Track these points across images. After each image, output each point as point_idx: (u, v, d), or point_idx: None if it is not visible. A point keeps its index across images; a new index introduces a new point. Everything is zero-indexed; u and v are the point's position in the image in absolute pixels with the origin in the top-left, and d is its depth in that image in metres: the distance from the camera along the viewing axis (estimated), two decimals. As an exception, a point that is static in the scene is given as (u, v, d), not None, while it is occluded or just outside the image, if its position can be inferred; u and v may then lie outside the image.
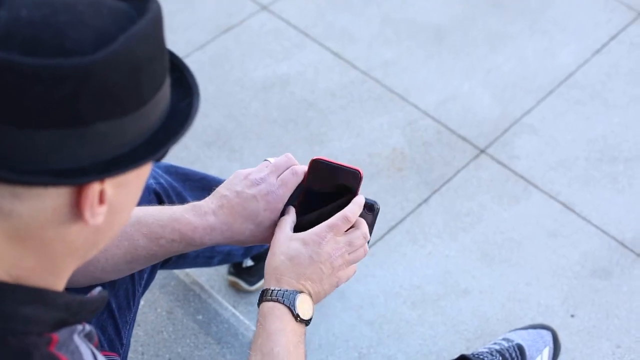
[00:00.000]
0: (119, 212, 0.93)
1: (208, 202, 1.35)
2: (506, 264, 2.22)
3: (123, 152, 0.86)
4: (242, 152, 2.44)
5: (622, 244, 2.26)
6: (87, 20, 0.82)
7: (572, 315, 2.12)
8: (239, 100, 2.57)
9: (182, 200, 1.66)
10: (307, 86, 2.63)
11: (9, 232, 0.88)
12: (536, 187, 2.39)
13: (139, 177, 0.94)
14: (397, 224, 2.29)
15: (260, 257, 2.09)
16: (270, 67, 2.67)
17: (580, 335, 2.09)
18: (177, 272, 2.04)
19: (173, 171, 1.71)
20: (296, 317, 1.24)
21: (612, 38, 2.81)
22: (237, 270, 2.12)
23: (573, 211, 2.33)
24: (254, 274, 2.12)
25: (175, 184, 1.67)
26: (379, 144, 2.46)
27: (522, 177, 2.41)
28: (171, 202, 1.62)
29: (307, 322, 1.27)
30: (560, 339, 2.02)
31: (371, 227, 1.36)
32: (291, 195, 1.37)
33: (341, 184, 1.35)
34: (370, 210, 1.36)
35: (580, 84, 2.67)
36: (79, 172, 0.84)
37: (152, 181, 1.60)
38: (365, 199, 1.36)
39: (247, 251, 1.98)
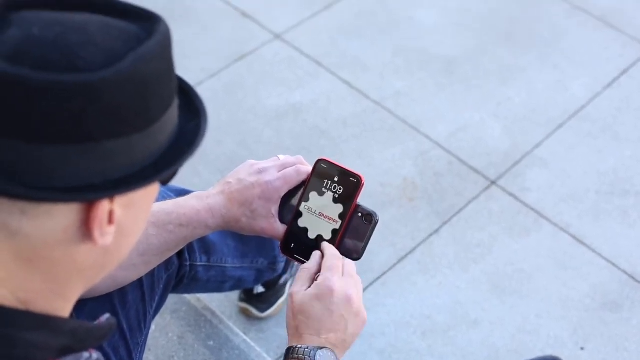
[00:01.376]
0: (128, 234, 0.94)
1: (211, 189, 1.42)
2: (516, 295, 2.22)
3: (132, 172, 0.87)
4: (254, 180, 2.45)
5: (633, 277, 2.26)
6: (97, 40, 0.84)
7: (582, 348, 2.12)
8: (252, 128, 2.59)
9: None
10: (320, 115, 2.64)
11: (17, 252, 0.87)
12: (547, 219, 2.39)
13: (147, 198, 0.94)
14: (408, 254, 2.30)
15: (271, 284, 2.10)
16: (283, 96, 2.69)
17: (590, 368, 2.09)
18: (188, 297, 2.04)
19: (185, 194, 1.73)
20: None
21: (623, 72, 2.83)
22: (248, 296, 2.13)
23: (583, 244, 2.34)
24: (265, 300, 2.13)
25: None
26: (391, 174, 2.47)
27: (532, 209, 2.41)
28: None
29: None
30: (570, 371, 2.02)
31: (368, 238, 1.38)
32: (292, 192, 1.41)
33: (342, 187, 1.38)
34: (369, 221, 1.38)
35: (591, 117, 2.68)
36: (88, 189, 0.85)
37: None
38: (364, 208, 1.38)
39: (258, 278, 1.99)
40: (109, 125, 0.83)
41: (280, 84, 2.74)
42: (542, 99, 2.73)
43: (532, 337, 2.14)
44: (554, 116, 2.67)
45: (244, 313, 2.15)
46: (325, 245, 1.37)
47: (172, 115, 0.92)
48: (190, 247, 1.71)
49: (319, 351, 1.26)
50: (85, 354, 0.96)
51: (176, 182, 1.68)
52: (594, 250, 2.32)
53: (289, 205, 1.42)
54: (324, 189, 1.39)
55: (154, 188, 0.94)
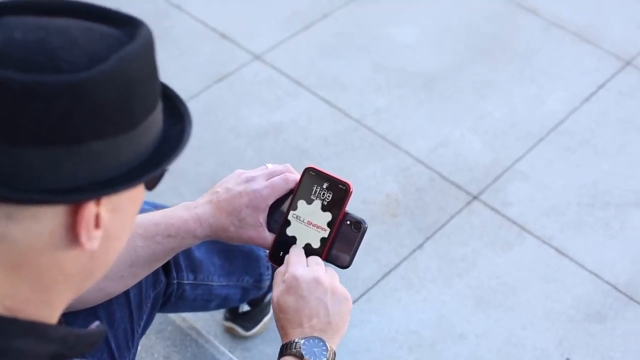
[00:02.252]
0: (114, 238, 0.93)
1: (200, 199, 1.42)
2: (501, 308, 2.23)
3: (118, 173, 0.87)
4: (236, 199, 2.45)
5: (616, 288, 2.28)
6: (79, 43, 0.84)
7: (568, 359, 2.13)
8: (234, 148, 2.59)
9: (186, 249, 1.68)
10: (301, 134, 2.65)
11: (4, 259, 0.87)
12: (529, 232, 2.41)
13: (133, 203, 0.94)
14: (391, 270, 2.30)
15: (256, 302, 2.10)
16: (264, 116, 2.70)
17: (577, 379, 2.10)
18: (173, 317, 2.03)
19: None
20: None
21: (600, 87, 2.86)
22: (233, 315, 2.12)
23: (566, 256, 2.35)
24: (250, 319, 2.12)
25: None
26: (373, 191, 2.48)
27: (515, 222, 2.43)
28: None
29: None
30: (557, 382, 2.03)
31: (357, 245, 1.38)
32: (280, 200, 1.41)
33: (330, 195, 1.38)
34: (357, 229, 1.38)
35: (569, 131, 2.70)
36: (75, 191, 0.84)
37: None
38: (353, 215, 1.38)
39: (244, 296, 1.98)
40: (94, 126, 0.83)
41: (261, 104, 2.74)
42: (520, 113, 2.75)
43: (518, 349, 2.15)
44: (533, 130, 2.70)
45: (230, 332, 2.14)
46: (291, 249, 1.38)
47: (157, 118, 0.92)
48: (177, 265, 1.71)
49: (303, 341, 1.26)
50: None
51: (157, 201, 1.69)
52: (577, 262, 2.34)
53: (277, 213, 1.42)
54: (312, 197, 1.39)
55: (140, 193, 0.94)
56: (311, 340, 1.26)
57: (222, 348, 2.01)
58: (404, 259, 2.33)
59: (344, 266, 1.39)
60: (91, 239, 0.88)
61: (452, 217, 2.44)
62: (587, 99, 2.81)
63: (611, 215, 2.47)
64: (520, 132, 2.69)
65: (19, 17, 0.86)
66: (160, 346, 2.00)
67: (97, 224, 0.88)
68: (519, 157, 2.61)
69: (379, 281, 2.27)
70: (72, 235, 0.87)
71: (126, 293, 1.53)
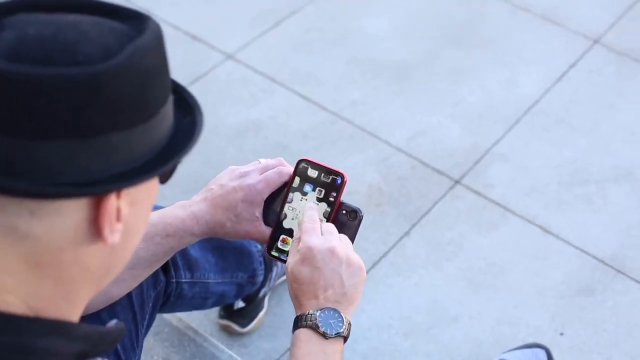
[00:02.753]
0: (133, 232, 0.94)
1: (194, 196, 1.43)
2: (492, 289, 2.26)
3: (135, 165, 0.87)
4: (221, 198, 2.45)
5: (602, 262, 2.31)
6: (92, 36, 0.84)
7: (561, 334, 2.16)
8: (215, 147, 2.60)
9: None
10: (280, 130, 2.66)
11: (27, 257, 0.87)
12: (513, 212, 2.43)
13: (149, 197, 0.94)
14: (381, 258, 2.32)
15: (251, 298, 2.10)
16: (242, 113, 2.70)
17: (572, 352, 2.12)
18: (169, 318, 2.03)
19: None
20: (323, 334, 1.25)
21: (571, 66, 2.89)
22: (229, 313, 2.13)
23: (551, 233, 2.38)
24: (246, 315, 2.13)
25: None
26: (356, 182, 2.49)
27: (498, 204, 2.46)
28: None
29: (343, 337, 1.27)
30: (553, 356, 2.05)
31: (354, 234, 1.39)
32: (275, 194, 1.42)
33: (325, 186, 1.39)
34: (353, 217, 1.39)
35: (544, 111, 2.74)
36: (96, 183, 0.84)
37: (150, 221, 1.62)
38: (348, 204, 1.40)
39: (239, 292, 1.99)
40: (111, 118, 0.84)
41: (238, 103, 2.75)
42: (495, 97, 2.78)
43: (512, 328, 2.17)
44: (509, 113, 2.73)
45: (225, 330, 2.15)
46: (306, 208, 1.38)
47: (169, 110, 0.92)
48: (175, 264, 1.72)
49: (319, 312, 1.26)
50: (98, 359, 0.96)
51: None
52: (562, 239, 2.37)
53: (273, 207, 1.43)
54: (306, 189, 1.40)
55: (155, 187, 0.95)
56: (326, 312, 1.26)
57: (221, 346, 2.02)
58: (392, 247, 2.34)
59: None
60: (113, 232, 0.88)
61: (436, 203, 2.46)
62: (559, 79, 2.85)
63: (591, 191, 2.50)
64: (497, 115, 2.72)
65: (30, 14, 0.87)
66: (159, 348, 2.00)
67: (118, 217, 0.88)
68: (497, 140, 2.64)
69: (369, 270, 2.28)
70: (95, 229, 0.88)
71: (128, 295, 1.53)
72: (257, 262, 2.00)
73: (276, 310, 2.20)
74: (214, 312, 2.17)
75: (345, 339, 1.28)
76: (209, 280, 1.84)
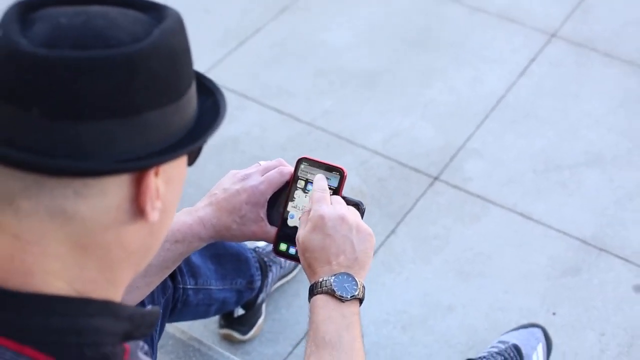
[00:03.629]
0: (168, 211, 0.97)
1: (198, 203, 1.47)
2: (481, 277, 2.31)
3: (171, 143, 0.91)
4: (206, 214, 2.48)
5: (585, 242, 2.38)
6: (120, 23, 0.88)
7: (554, 314, 2.22)
8: (194, 166, 2.61)
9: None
10: (257, 143, 2.70)
11: (73, 240, 0.89)
12: (493, 203, 2.50)
13: (181, 175, 0.98)
14: (370, 257, 2.36)
15: (250, 304, 2.13)
16: (218, 131, 2.73)
17: (565, 330, 2.18)
18: (172, 330, 2.06)
19: None
20: (339, 298, 1.28)
21: (532, 61, 2.98)
22: (229, 321, 2.15)
23: (532, 219, 2.45)
24: (246, 322, 2.16)
25: None
26: (337, 187, 2.54)
27: (478, 196, 2.52)
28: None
29: (359, 300, 1.31)
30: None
31: None
32: (277, 194, 1.46)
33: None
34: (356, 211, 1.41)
35: (511, 105, 2.81)
36: (137, 159, 0.88)
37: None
38: (350, 198, 1.43)
39: (239, 299, 2.03)
40: (148, 97, 0.88)
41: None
42: (463, 95, 2.85)
43: (504, 312, 2.23)
44: (478, 109, 2.80)
45: (227, 339, 2.17)
46: (315, 179, 1.42)
47: (194, 91, 0.96)
48: (180, 270, 1.75)
49: (333, 277, 1.29)
50: (141, 343, 0.99)
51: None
52: (543, 224, 2.44)
53: (277, 206, 1.46)
54: (308, 187, 1.44)
55: (184, 168, 0.99)
56: (340, 277, 1.30)
57: (226, 353, 2.05)
58: (381, 245, 2.39)
59: None
60: (154, 209, 0.91)
61: (417, 200, 2.52)
62: (522, 74, 2.93)
63: (566, 177, 2.58)
64: (467, 113, 2.79)
65: (57, 7, 0.90)
66: (164, 360, 2.02)
67: (157, 195, 0.92)
68: (469, 136, 2.71)
69: (360, 269, 2.32)
70: (136, 207, 0.91)
71: (141, 302, 1.56)
72: (254, 268, 2.04)
73: (274, 316, 2.23)
74: (214, 323, 2.20)
75: (361, 301, 1.32)
76: (212, 287, 1.88)
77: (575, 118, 2.77)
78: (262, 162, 1.51)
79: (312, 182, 1.44)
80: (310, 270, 1.34)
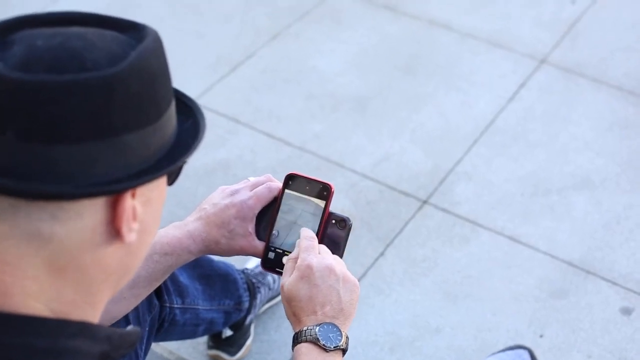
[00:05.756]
0: (147, 232, 0.97)
1: (189, 217, 1.49)
2: (469, 299, 2.32)
3: (149, 164, 0.91)
4: (197, 236, 2.49)
5: (572, 265, 2.39)
6: (98, 45, 0.88)
7: (541, 336, 2.23)
8: (185, 189, 2.64)
9: (171, 275, 1.75)
10: (248, 167, 2.72)
11: (49, 261, 0.89)
12: (481, 226, 2.51)
13: (160, 197, 0.98)
14: (359, 279, 2.37)
15: (238, 325, 2.14)
16: (209, 155, 2.76)
17: (553, 352, 2.19)
18: (160, 351, 2.07)
19: None
20: (323, 348, 1.31)
21: (521, 86, 3.01)
22: (217, 342, 2.16)
23: (520, 242, 2.46)
24: (234, 343, 2.16)
25: None
26: (327, 210, 2.55)
27: (467, 219, 2.53)
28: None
29: (342, 349, 1.33)
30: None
31: (344, 242, 1.46)
32: (266, 209, 1.48)
33: (313, 197, 1.45)
34: (342, 227, 1.46)
35: (501, 129, 2.84)
36: (114, 182, 0.88)
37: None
38: (337, 214, 1.46)
39: (227, 320, 2.03)
40: (126, 118, 0.88)
41: (204, 145, 2.80)
42: (452, 120, 2.87)
43: (492, 334, 2.24)
44: (467, 133, 2.82)
45: (215, 360, 2.18)
46: (302, 229, 1.44)
47: (173, 111, 0.97)
48: (166, 289, 1.76)
49: (318, 327, 1.31)
50: None
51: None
52: (531, 247, 2.45)
53: (265, 221, 1.48)
54: (295, 203, 1.46)
55: (164, 188, 0.99)
56: (325, 326, 1.32)
57: (213, 373, 2.05)
58: (370, 268, 2.40)
59: None
60: (131, 230, 0.92)
61: (407, 223, 2.53)
62: (511, 99, 2.95)
63: (554, 200, 2.59)
64: (456, 137, 2.81)
65: (35, 29, 0.91)
66: (152, 381, 2.03)
67: (134, 217, 0.92)
68: (459, 160, 2.73)
69: (349, 291, 2.33)
70: (113, 229, 0.91)
71: (126, 319, 1.56)
72: (242, 289, 2.05)
73: (262, 337, 2.24)
74: (203, 343, 2.20)
75: (344, 352, 1.34)
76: (199, 307, 1.88)
77: (564, 142, 2.80)
78: (252, 178, 1.53)
79: (299, 197, 1.46)
80: (295, 318, 1.36)
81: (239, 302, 2.04)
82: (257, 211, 1.47)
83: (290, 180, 1.47)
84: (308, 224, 1.45)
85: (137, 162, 0.90)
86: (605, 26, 3.28)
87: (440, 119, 2.88)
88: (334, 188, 1.46)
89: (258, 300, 2.16)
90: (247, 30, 3.28)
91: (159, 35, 0.95)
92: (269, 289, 2.20)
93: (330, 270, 1.35)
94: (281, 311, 2.28)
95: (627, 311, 2.29)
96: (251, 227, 1.47)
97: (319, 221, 1.45)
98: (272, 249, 1.47)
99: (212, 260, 2.00)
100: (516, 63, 3.11)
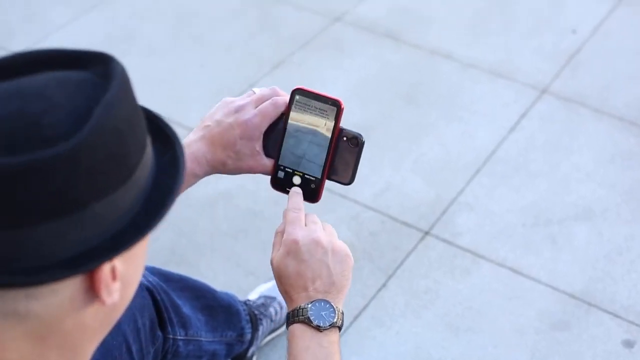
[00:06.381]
0: (131, 284, 0.94)
1: (191, 135, 1.41)
2: (471, 331, 2.32)
3: (124, 224, 0.86)
4: (198, 267, 2.50)
5: (574, 297, 2.39)
6: (59, 102, 0.82)
7: (543, 368, 2.23)
8: (187, 219, 2.65)
9: (170, 298, 1.74)
10: (250, 197, 2.72)
11: (29, 332, 0.87)
12: (483, 257, 2.51)
13: (141, 248, 0.94)
14: (361, 312, 2.37)
15: (240, 357, 2.13)
16: (211, 185, 2.76)
17: (555, 385, 2.19)
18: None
19: (156, 272, 1.79)
20: (316, 328, 1.25)
21: (523, 116, 3.02)
22: (219, 375, 2.16)
23: (521, 274, 2.46)
24: (235, 376, 2.16)
25: (161, 283, 1.75)
26: (329, 240, 2.56)
27: (468, 250, 2.53)
28: (161, 299, 1.71)
29: (337, 327, 1.28)
30: (538, 389, 2.12)
31: (357, 161, 1.41)
32: (273, 125, 1.41)
33: (322, 114, 1.38)
34: (354, 144, 1.40)
35: (502, 159, 2.84)
36: (87, 257, 0.84)
37: (142, 279, 1.66)
38: (349, 131, 1.39)
39: (229, 352, 2.03)
40: (93, 188, 0.82)
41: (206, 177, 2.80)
42: (454, 150, 2.88)
43: (494, 366, 2.24)
44: (469, 163, 2.83)
45: (217, 392, 2.17)
46: (290, 194, 1.38)
47: (148, 153, 0.91)
48: (170, 321, 1.76)
49: (310, 305, 1.26)
50: None
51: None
52: (532, 278, 2.45)
53: (273, 137, 1.41)
54: (303, 120, 1.39)
55: (146, 240, 0.94)
56: (317, 304, 1.26)
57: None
58: (372, 299, 2.40)
59: (346, 183, 1.42)
60: (111, 293, 0.89)
61: (408, 254, 2.53)
62: (512, 129, 2.96)
63: (555, 231, 2.60)
64: (457, 167, 2.82)
65: None
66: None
67: (113, 277, 0.89)
68: (460, 190, 2.73)
69: (351, 323, 2.34)
70: (92, 295, 0.88)
71: (129, 350, 1.56)
72: (244, 321, 2.05)
73: (264, 370, 2.24)
74: (204, 376, 2.20)
75: (340, 328, 1.28)
76: (202, 338, 1.89)
77: (566, 172, 2.80)
78: (256, 90, 1.45)
79: (309, 113, 1.39)
80: (287, 297, 1.31)
81: (241, 334, 2.05)
82: (263, 129, 1.40)
83: (297, 96, 1.40)
84: (318, 142, 1.39)
85: (110, 225, 0.86)
86: (606, 56, 3.30)
87: (442, 149, 2.89)
88: (344, 104, 1.39)
89: (260, 332, 2.16)
90: (250, 60, 3.30)
91: (125, 72, 0.88)
92: (271, 320, 2.20)
93: (317, 243, 1.29)
94: (284, 343, 2.28)
95: (629, 344, 2.28)
96: (258, 146, 1.40)
97: (329, 139, 1.39)
98: (282, 167, 1.41)
99: (215, 292, 2.00)
100: (517, 93, 3.12)
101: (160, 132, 0.96)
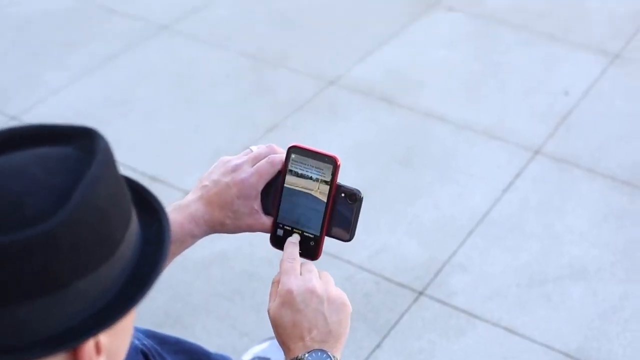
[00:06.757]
0: (117, 355, 0.93)
1: (189, 195, 1.39)
2: (466, 392, 2.32)
3: (110, 298, 0.86)
4: (193, 329, 2.50)
5: (569, 355, 2.39)
6: (41, 181, 0.82)
7: None
8: (182, 281, 2.65)
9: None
10: (246, 259, 2.73)
11: None
12: (478, 317, 2.51)
13: (127, 321, 0.94)
14: (355, 372, 2.37)
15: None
16: (207, 248, 2.77)
17: None
18: None
19: (151, 335, 1.78)
20: None
21: (516, 177, 3.04)
22: None
23: (516, 334, 2.46)
24: None
25: (156, 346, 1.74)
26: (323, 302, 2.56)
27: (463, 310, 2.54)
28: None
29: None
30: None
31: (356, 217, 1.39)
32: (271, 183, 1.39)
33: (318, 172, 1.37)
34: (353, 200, 1.38)
35: (496, 221, 2.86)
36: (70, 334, 0.84)
37: (137, 342, 1.66)
38: (347, 187, 1.39)
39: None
40: (76, 266, 0.83)
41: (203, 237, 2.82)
42: (448, 212, 2.90)
43: None
44: (463, 225, 2.84)
45: None
46: (286, 244, 1.37)
47: (134, 226, 0.91)
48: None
49: (308, 355, 1.24)
50: None
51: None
52: (527, 338, 2.45)
53: (271, 195, 1.40)
54: (300, 178, 1.37)
55: (132, 313, 0.93)
56: (314, 354, 1.24)
57: None
58: (366, 360, 2.40)
59: (346, 239, 1.40)
60: None
61: (402, 315, 2.53)
62: (506, 190, 2.98)
63: (550, 290, 2.60)
64: (451, 229, 2.83)
65: None
66: None
67: (98, 351, 0.88)
68: (454, 251, 2.74)
69: (345, 384, 2.33)
70: None
71: None
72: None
73: None
74: None
75: None
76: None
77: (559, 232, 2.81)
78: (254, 148, 1.43)
79: (306, 170, 1.38)
80: (284, 347, 1.29)
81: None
82: (260, 188, 1.38)
83: (294, 154, 1.38)
84: (315, 200, 1.38)
85: (94, 302, 0.86)
86: (598, 117, 3.33)
87: (436, 211, 2.91)
88: (340, 161, 1.39)
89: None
90: (244, 123, 3.33)
91: (108, 148, 0.88)
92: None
93: (312, 292, 1.27)
94: (277, 405, 2.28)
95: (624, 403, 2.28)
96: (256, 204, 1.38)
97: (326, 196, 1.38)
98: (281, 225, 1.40)
99: (209, 354, 1.99)
100: (511, 154, 3.15)
101: (146, 203, 0.96)
